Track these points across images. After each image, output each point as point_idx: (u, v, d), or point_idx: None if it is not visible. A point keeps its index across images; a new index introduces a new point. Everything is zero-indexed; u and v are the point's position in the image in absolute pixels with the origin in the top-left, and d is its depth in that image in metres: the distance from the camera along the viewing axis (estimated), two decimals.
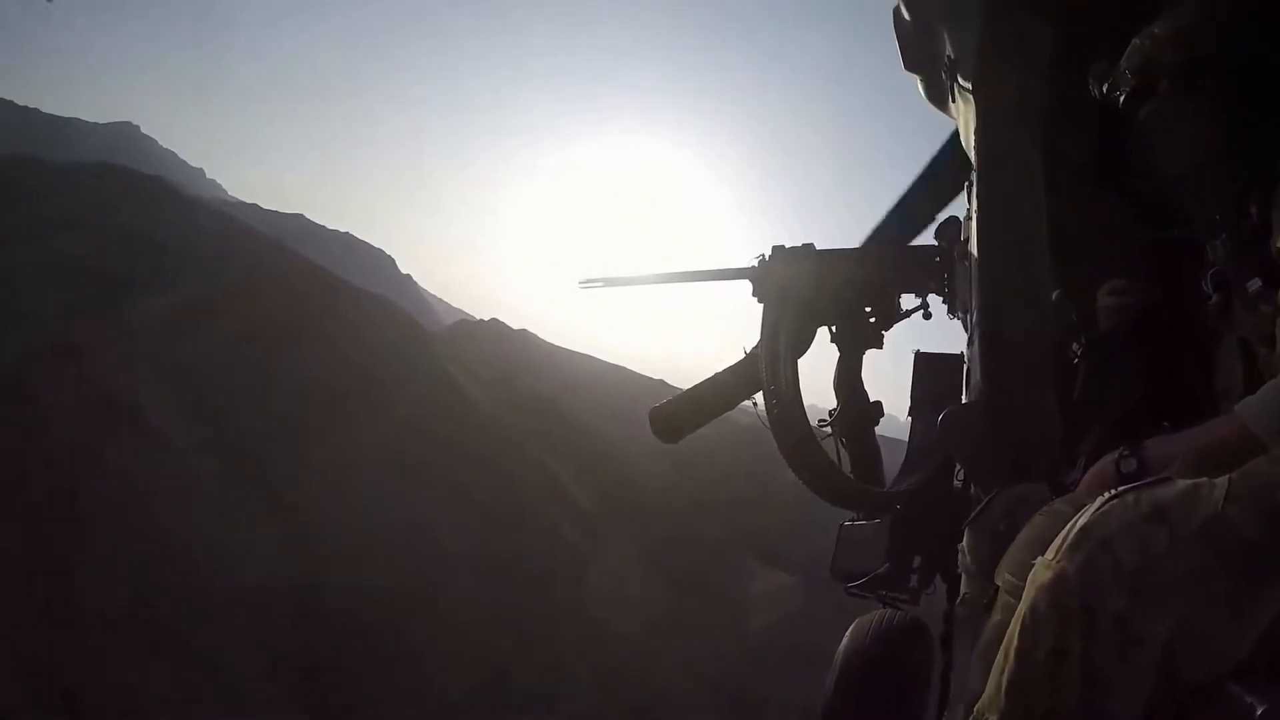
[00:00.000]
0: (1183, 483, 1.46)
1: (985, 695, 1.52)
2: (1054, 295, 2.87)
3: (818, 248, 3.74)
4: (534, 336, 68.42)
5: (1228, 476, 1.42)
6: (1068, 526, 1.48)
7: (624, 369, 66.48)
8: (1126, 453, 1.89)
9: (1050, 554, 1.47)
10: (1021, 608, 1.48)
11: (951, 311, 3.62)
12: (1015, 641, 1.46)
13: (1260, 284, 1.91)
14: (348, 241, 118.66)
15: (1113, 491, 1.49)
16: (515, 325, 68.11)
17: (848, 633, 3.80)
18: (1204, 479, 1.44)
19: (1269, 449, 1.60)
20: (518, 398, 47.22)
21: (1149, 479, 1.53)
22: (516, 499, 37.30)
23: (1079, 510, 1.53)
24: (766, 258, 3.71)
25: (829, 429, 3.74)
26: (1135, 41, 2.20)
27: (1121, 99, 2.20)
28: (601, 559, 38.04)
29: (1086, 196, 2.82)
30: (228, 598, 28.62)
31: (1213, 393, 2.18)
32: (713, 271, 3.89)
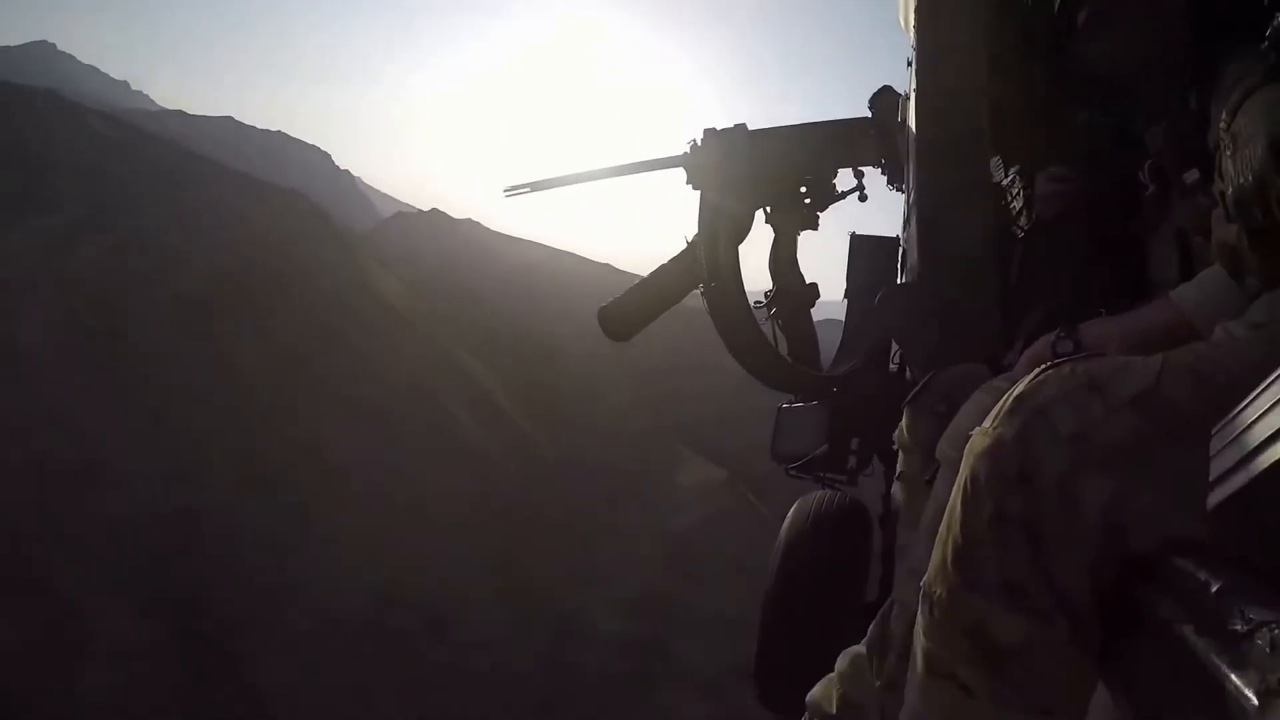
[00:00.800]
0: (1116, 357, 1.49)
1: (931, 568, 1.54)
2: (996, 180, 2.84)
3: (750, 128, 3.65)
4: (479, 226, 67.81)
5: (1161, 354, 1.44)
6: (1004, 396, 1.49)
7: (572, 255, 66.35)
8: (1063, 334, 1.95)
9: (987, 422, 1.47)
10: (960, 476, 1.48)
11: (891, 182, 3.59)
12: (958, 511, 1.47)
13: (1198, 175, 1.93)
14: (279, 141, 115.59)
15: (1048, 363, 1.50)
16: (461, 216, 67.78)
17: (789, 515, 3.85)
18: (1138, 357, 1.46)
19: (1202, 334, 1.65)
20: (444, 293, 47.02)
21: (1083, 354, 1.57)
22: (426, 408, 36.65)
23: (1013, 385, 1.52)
24: (698, 143, 3.62)
25: (766, 311, 3.70)
26: None
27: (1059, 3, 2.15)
28: (513, 466, 37.61)
29: (1028, 81, 2.77)
30: (99, 531, 27.92)
31: (1148, 281, 2.20)
32: (644, 163, 3.79)
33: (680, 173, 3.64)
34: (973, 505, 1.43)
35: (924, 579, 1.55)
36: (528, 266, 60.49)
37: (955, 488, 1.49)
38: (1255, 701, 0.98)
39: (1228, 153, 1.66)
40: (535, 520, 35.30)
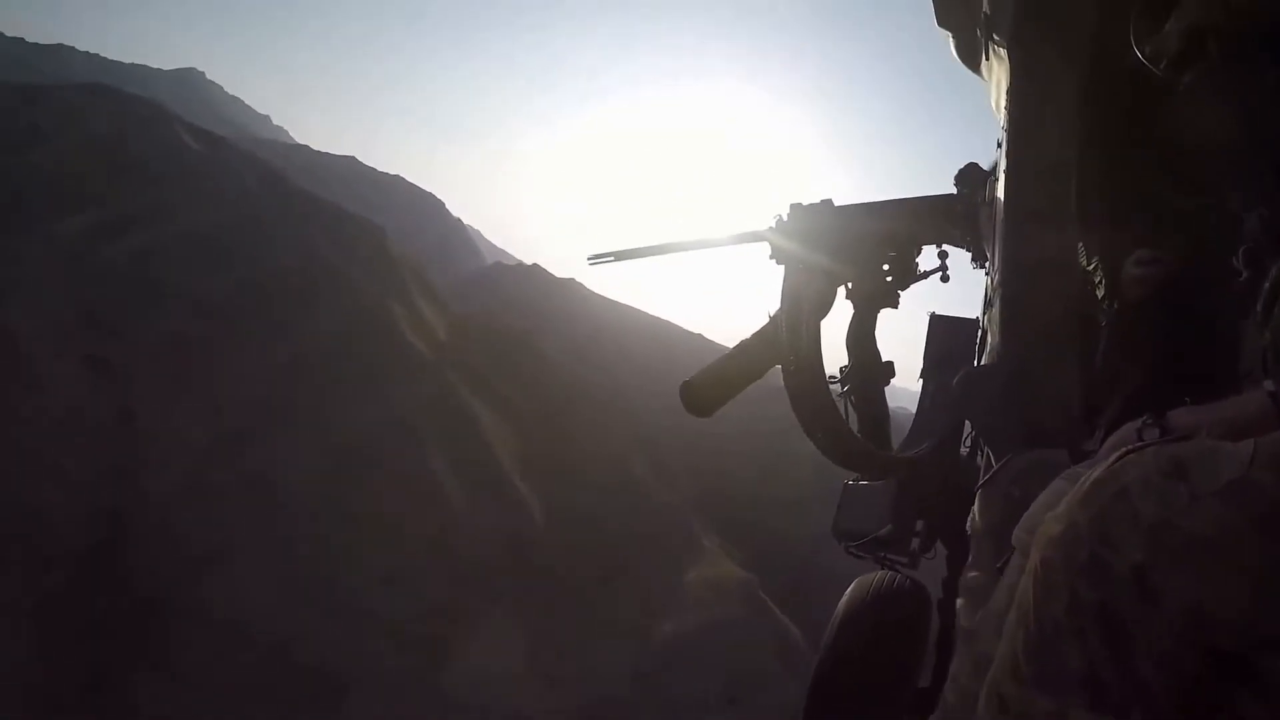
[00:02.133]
0: (1203, 441, 1.43)
1: (998, 663, 1.47)
2: (1082, 262, 2.78)
3: (835, 204, 3.64)
4: (579, 286, 68.56)
5: (1252, 440, 1.37)
6: (1081, 480, 1.44)
7: (663, 321, 66.28)
8: (1150, 421, 1.86)
9: (1061, 506, 1.43)
10: (1031, 563, 1.44)
11: (975, 261, 3.53)
12: (1029, 601, 1.41)
13: None
14: (397, 184, 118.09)
15: (1129, 446, 1.45)
16: (566, 274, 68.67)
17: (847, 592, 3.77)
18: (1227, 442, 1.40)
19: None
20: (503, 343, 46.19)
21: (1168, 437, 1.51)
22: (417, 449, 34.91)
23: None
24: (784, 217, 3.61)
25: (839, 386, 3.66)
26: (1185, 2, 2.09)
27: (1165, 63, 2.10)
28: (494, 524, 34.88)
29: (1120, 163, 2.73)
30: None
31: (1236, 371, 2.12)
32: (729, 237, 3.79)
33: (765, 247, 3.64)
34: (1045, 595, 1.37)
35: (990, 674, 1.48)
36: (606, 325, 60.70)
37: (1026, 576, 1.44)
38: None
39: None
40: (512, 590, 32.64)
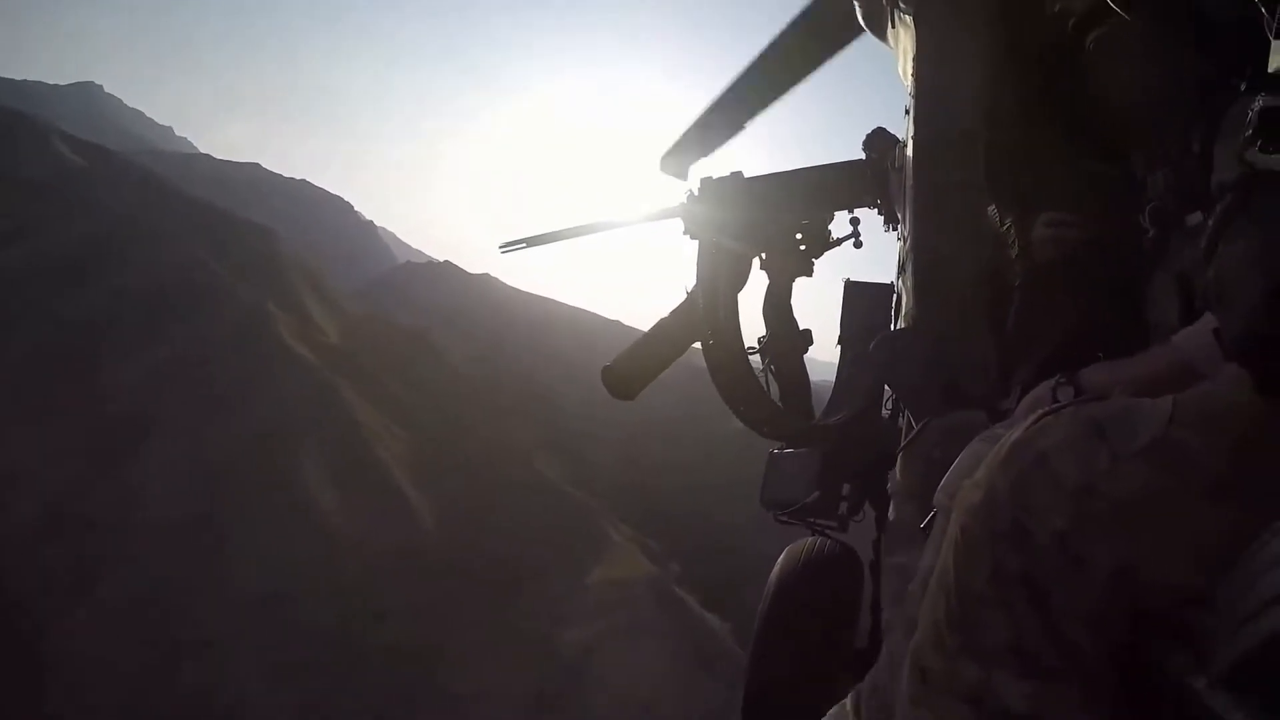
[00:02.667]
0: (1120, 400, 1.43)
1: (921, 632, 1.45)
2: (993, 226, 2.81)
3: (745, 176, 3.63)
4: (493, 280, 68.14)
5: (1170, 398, 1.38)
6: (997, 445, 1.42)
7: (578, 309, 65.98)
8: (1063, 380, 1.89)
9: (979, 473, 1.41)
10: (951, 532, 1.42)
11: (887, 224, 3.55)
12: (950, 570, 1.39)
13: (1201, 218, 1.91)
14: (303, 189, 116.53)
15: (1046, 409, 1.44)
16: (482, 270, 68.38)
17: (778, 561, 3.79)
18: (1144, 399, 1.40)
19: (1206, 378, 1.58)
20: (375, 338, 45.27)
21: (1084, 397, 1.52)
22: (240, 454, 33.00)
23: None
24: (695, 192, 3.59)
25: (759, 358, 3.66)
26: None
27: (1073, 21, 2.12)
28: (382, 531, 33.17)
29: (1026, 128, 2.75)
30: None
31: (1148, 328, 2.15)
32: (641, 215, 3.76)
33: (679, 223, 3.62)
34: (967, 563, 1.36)
35: (913, 643, 1.47)
36: (519, 318, 60.34)
37: (945, 544, 1.42)
38: None
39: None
40: (399, 609, 30.37)
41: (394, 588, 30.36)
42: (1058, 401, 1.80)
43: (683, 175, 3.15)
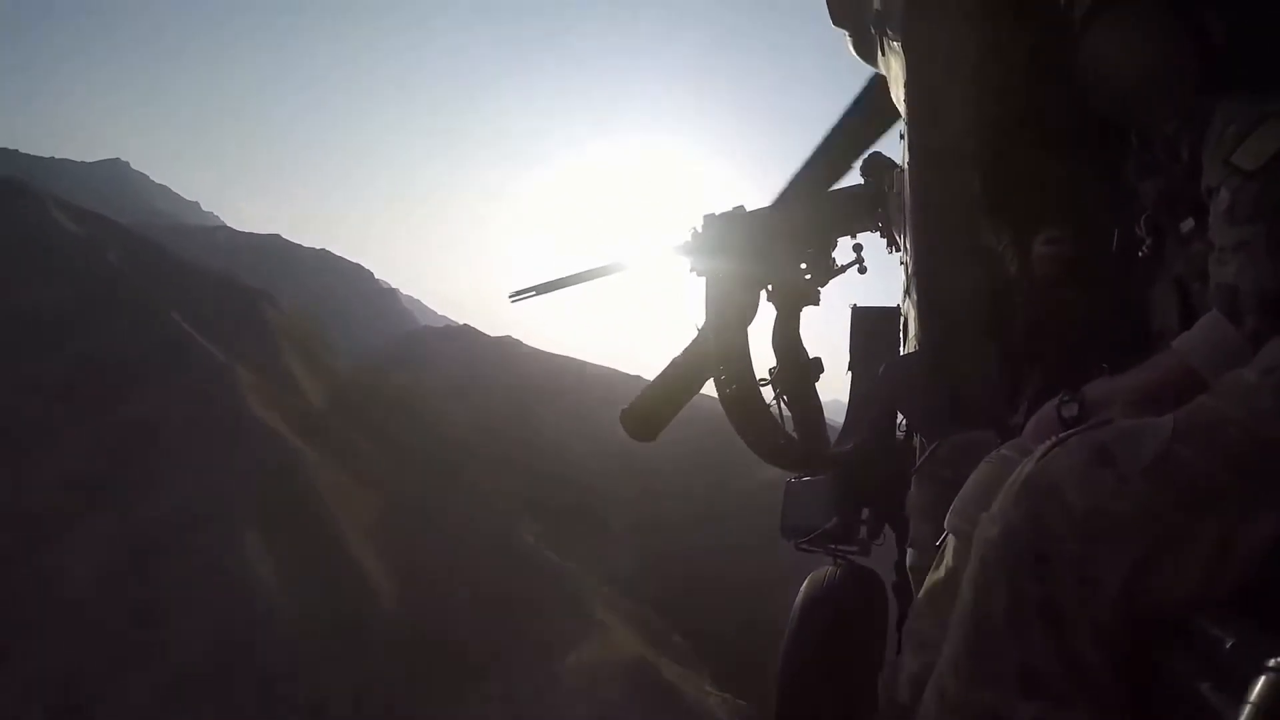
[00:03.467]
0: (1124, 423, 1.45)
1: (944, 657, 1.48)
2: (992, 245, 2.84)
3: (748, 209, 3.66)
4: (513, 343, 67.63)
5: (1171, 415, 1.41)
6: (1012, 477, 1.46)
7: (599, 366, 64.73)
8: (1067, 398, 1.90)
9: (995, 507, 1.44)
10: (971, 566, 1.45)
11: (890, 247, 3.58)
12: (969, 603, 1.43)
13: (1193, 223, 1.92)
14: (323, 258, 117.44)
15: (1054, 439, 1.47)
16: (504, 333, 68.14)
17: (802, 588, 3.78)
18: (1147, 419, 1.44)
19: (1208, 382, 1.61)
20: (363, 402, 43.42)
21: (1090, 423, 1.52)
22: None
23: (1024, 455, 1.52)
24: (699, 229, 3.63)
25: (771, 389, 3.67)
26: None
27: (1080, 15, 2.15)
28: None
29: (1019, 147, 2.78)
30: None
31: (1150, 335, 2.18)
32: (647, 255, 3.79)
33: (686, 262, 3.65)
34: (986, 595, 1.39)
35: (936, 669, 1.50)
36: (535, 379, 59.46)
37: (967, 576, 1.46)
38: None
39: (1233, 183, 1.70)
40: (335, 701, 26.82)
41: (336, 672, 26.90)
42: (1062, 418, 1.82)
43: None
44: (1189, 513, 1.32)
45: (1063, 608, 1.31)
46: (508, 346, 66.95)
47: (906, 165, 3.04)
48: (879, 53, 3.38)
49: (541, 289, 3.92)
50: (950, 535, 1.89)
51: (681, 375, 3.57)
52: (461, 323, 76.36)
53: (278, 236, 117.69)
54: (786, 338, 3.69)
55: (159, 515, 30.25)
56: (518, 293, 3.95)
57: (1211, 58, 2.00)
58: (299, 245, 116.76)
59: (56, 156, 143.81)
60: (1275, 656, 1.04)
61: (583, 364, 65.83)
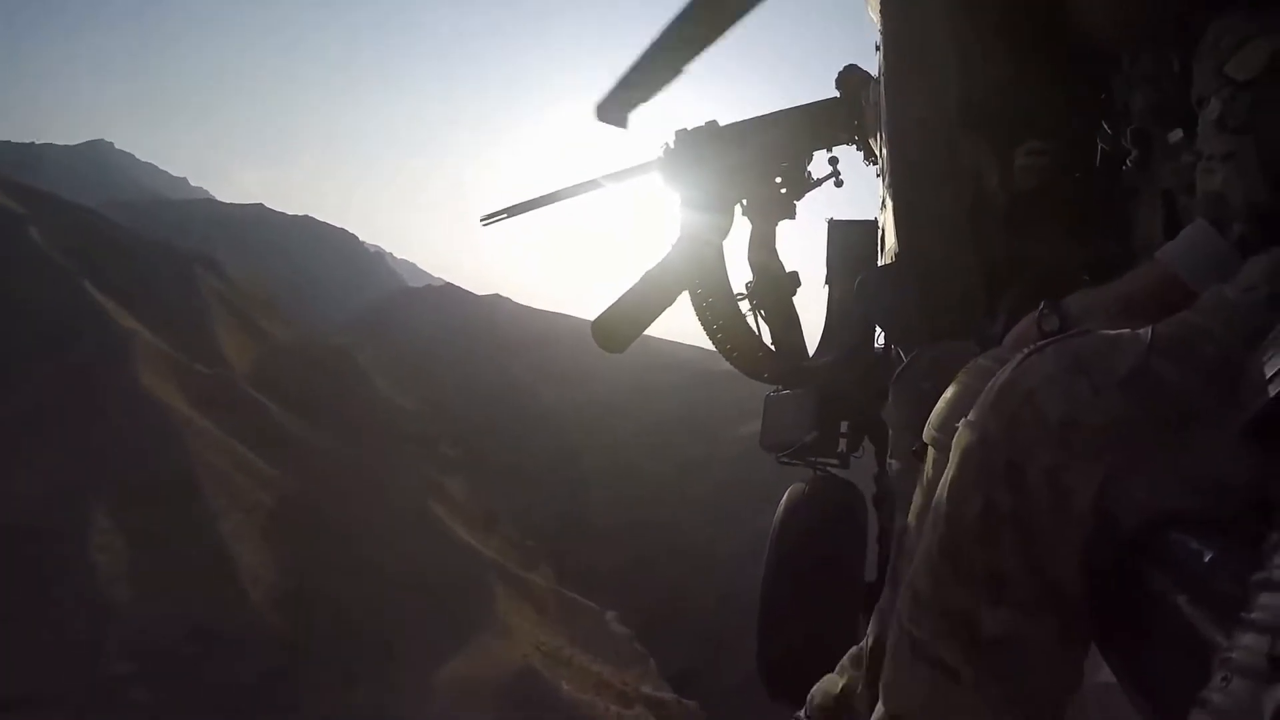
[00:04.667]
0: (1103, 333, 1.43)
1: (917, 559, 1.50)
2: (970, 156, 2.79)
3: (720, 124, 3.60)
4: (504, 300, 66.88)
5: (1150, 328, 1.39)
6: (989, 384, 1.45)
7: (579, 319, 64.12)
8: (1047, 309, 1.87)
9: (972, 414, 1.44)
10: (948, 471, 1.45)
11: (867, 160, 3.54)
12: (944, 505, 1.43)
13: (1181, 134, 1.88)
14: (306, 224, 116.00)
15: (1031, 347, 1.45)
16: (489, 292, 67.39)
17: (781, 502, 3.80)
18: (1126, 331, 1.42)
19: (1192, 291, 1.60)
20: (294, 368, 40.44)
21: (1068, 332, 1.51)
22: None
23: (1003, 366, 1.50)
24: (671, 145, 3.57)
25: (749, 303, 3.65)
26: None
27: None
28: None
29: (1000, 57, 2.71)
30: None
31: (1132, 247, 2.14)
32: (620, 173, 3.74)
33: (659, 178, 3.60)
34: (960, 499, 1.40)
35: (910, 569, 1.52)
36: (521, 335, 58.21)
37: (943, 480, 1.46)
38: (1266, 666, 0.95)
39: (1225, 92, 1.68)
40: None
41: (180, 683, 23.04)
42: (1042, 330, 1.80)
43: (623, 124, 3.07)
44: (1162, 427, 1.31)
45: (1034, 517, 1.32)
46: (487, 305, 65.51)
47: (881, 76, 2.98)
48: None
49: (513, 210, 3.87)
50: (929, 447, 1.88)
51: (654, 288, 3.54)
52: (444, 282, 75.91)
53: (261, 205, 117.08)
54: (763, 252, 3.66)
55: (10, 501, 26.49)
56: (489, 215, 3.91)
57: None
58: (281, 214, 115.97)
59: (38, 142, 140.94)
60: (1260, 572, 1.03)
61: (568, 318, 64.47)
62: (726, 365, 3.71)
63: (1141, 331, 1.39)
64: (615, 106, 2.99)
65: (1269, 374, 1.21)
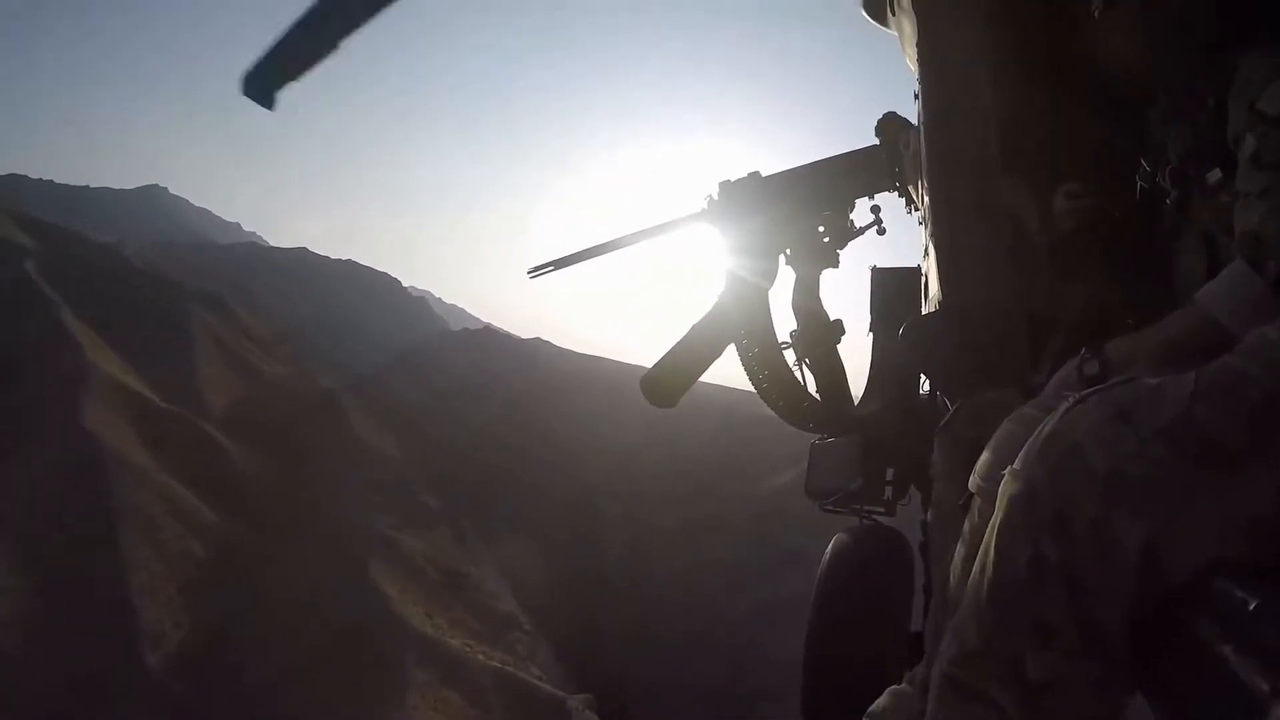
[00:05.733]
0: (1146, 382, 1.42)
1: (964, 608, 1.49)
2: (1011, 200, 2.78)
3: (763, 175, 3.63)
4: (545, 344, 65.44)
5: (1193, 374, 1.38)
6: (1034, 435, 1.45)
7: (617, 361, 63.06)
8: (1089, 355, 1.85)
9: (1019, 464, 1.44)
10: (995, 520, 1.45)
11: (909, 207, 3.53)
12: (991, 554, 1.43)
13: (1220, 174, 1.85)
14: (350, 269, 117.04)
15: (1075, 397, 1.44)
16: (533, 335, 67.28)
17: (828, 549, 3.76)
18: (1169, 378, 1.40)
19: (1232, 334, 1.57)
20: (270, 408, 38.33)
21: (1111, 382, 1.48)
22: None
23: (1046, 413, 1.49)
24: (715, 197, 3.59)
25: (795, 352, 3.64)
26: None
27: None
28: None
29: (1038, 99, 2.71)
30: None
31: (1174, 289, 2.12)
32: (665, 225, 3.75)
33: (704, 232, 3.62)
34: (1008, 548, 1.40)
35: (954, 618, 1.52)
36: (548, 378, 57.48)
37: (990, 529, 1.46)
38: None
39: (1259, 129, 1.65)
40: None
41: None
42: (1084, 376, 1.79)
43: (269, 104, 2.75)
44: (1208, 474, 1.29)
45: (1081, 569, 1.31)
46: (527, 348, 64.49)
47: (921, 123, 2.99)
48: (889, 12, 3.32)
49: (560, 263, 3.90)
50: (975, 495, 1.86)
51: (702, 341, 3.53)
52: (484, 324, 76.06)
53: (304, 249, 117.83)
54: (807, 301, 3.65)
55: None
56: (537, 268, 3.93)
57: (1233, 15, 1.92)
58: (324, 257, 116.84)
59: (92, 185, 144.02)
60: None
61: (603, 360, 63.85)
62: (761, 408, 3.69)
63: (1184, 378, 1.37)
64: (262, 82, 2.67)
65: None
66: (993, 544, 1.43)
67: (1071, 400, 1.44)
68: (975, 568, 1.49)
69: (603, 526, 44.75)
